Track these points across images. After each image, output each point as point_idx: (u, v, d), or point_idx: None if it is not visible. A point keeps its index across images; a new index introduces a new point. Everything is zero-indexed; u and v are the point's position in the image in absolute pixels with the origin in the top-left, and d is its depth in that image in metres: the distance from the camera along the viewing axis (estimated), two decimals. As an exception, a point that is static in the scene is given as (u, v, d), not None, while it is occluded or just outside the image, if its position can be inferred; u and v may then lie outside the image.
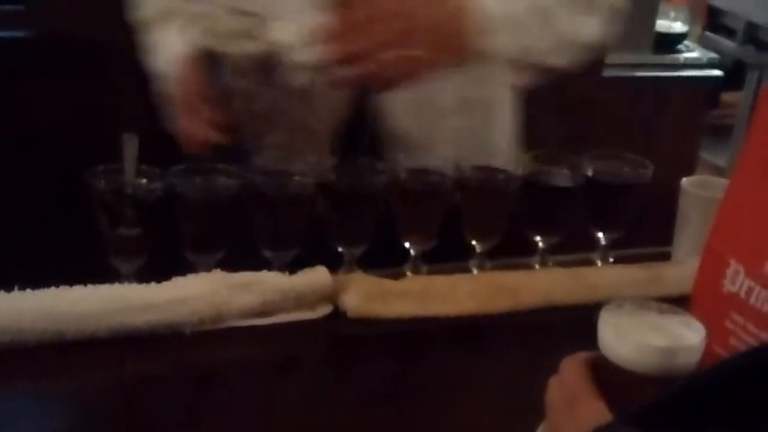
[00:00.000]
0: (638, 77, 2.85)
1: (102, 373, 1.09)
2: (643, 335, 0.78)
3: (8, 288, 1.13)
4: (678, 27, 2.96)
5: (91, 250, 1.20)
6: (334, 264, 1.28)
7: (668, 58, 2.92)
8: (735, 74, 3.25)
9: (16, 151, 2.21)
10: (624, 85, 2.81)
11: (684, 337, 0.79)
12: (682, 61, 2.93)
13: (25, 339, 1.08)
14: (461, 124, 1.45)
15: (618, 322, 0.80)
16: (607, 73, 2.72)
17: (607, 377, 0.78)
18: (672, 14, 2.96)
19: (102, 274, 1.19)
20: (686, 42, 2.99)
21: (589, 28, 1.41)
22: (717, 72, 2.92)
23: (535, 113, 2.63)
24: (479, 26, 1.26)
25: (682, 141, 2.90)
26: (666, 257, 1.43)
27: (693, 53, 2.96)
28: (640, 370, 0.77)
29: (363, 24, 1.20)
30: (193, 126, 1.29)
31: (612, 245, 1.42)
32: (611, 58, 2.71)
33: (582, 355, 0.81)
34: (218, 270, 1.21)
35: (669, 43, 2.94)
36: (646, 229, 1.38)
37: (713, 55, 2.96)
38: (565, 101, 2.68)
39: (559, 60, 1.39)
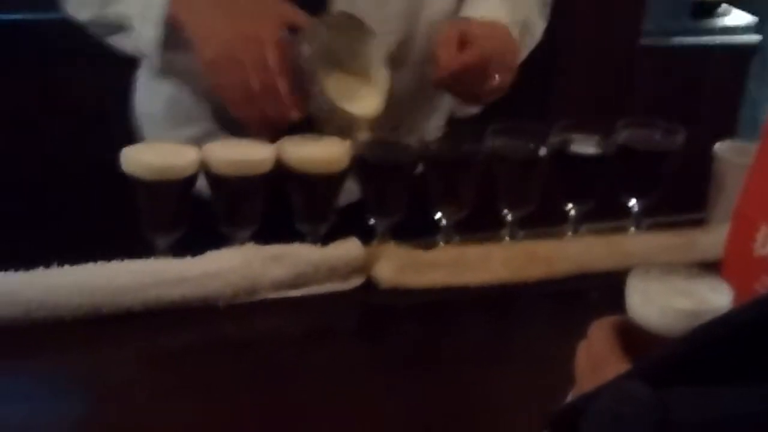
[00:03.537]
0: (676, 43, 2.82)
1: (137, 346, 1.11)
2: (670, 299, 0.78)
3: (46, 264, 1.14)
4: (716, -9, 2.92)
5: (127, 224, 1.21)
6: (367, 235, 1.29)
7: (706, 23, 2.89)
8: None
9: (54, 129, 2.24)
10: (661, 52, 2.78)
11: (711, 301, 0.78)
12: (719, 26, 2.89)
13: (61, 314, 1.10)
14: None
15: (645, 287, 0.80)
16: (645, 40, 2.69)
17: (635, 341, 0.78)
18: (709, -22, 2.92)
19: (138, 248, 1.20)
20: (724, 5, 2.95)
21: (542, 28, 1.51)
22: (756, 36, 2.88)
23: (572, 82, 2.63)
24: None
25: (722, 106, 2.88)
26: (701, 223, 1.42)
27: (731, 18, 2.92)
28: (667, 333, 0.76)
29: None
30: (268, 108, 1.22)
31: (648, 212, 1.41)
32: (648, 25, 2.68)
33: (610, 320, 0.81)
34: (251, 243, 1.22)
35: (707, 7, 2.90)
36: (688, 197, 1.37)
37: (752, 18, 2.92)
38: (602, 69, 2.67)
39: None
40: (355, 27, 1.26)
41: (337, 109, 1.22)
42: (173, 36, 1.25)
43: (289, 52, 1.20)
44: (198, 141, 1.28)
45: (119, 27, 1.32)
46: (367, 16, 1.31)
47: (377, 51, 1.28)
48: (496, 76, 1.30)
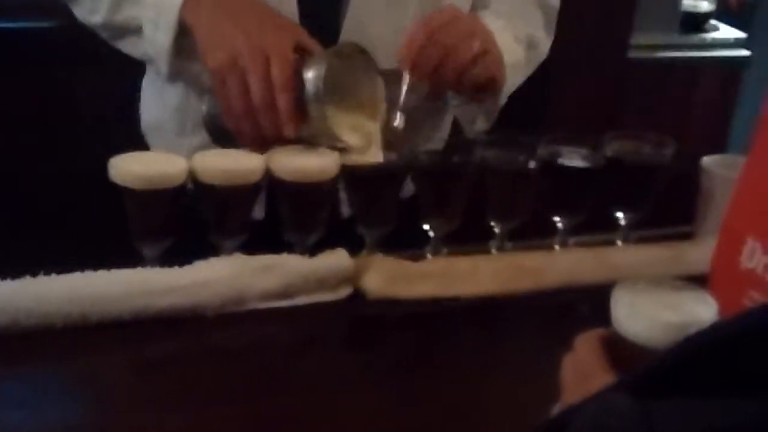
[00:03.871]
0: (664, 58, 2.83)
1: (125, 355, 1.10)
2: (655, 311, 0.78)
3: (35, 272, 1.14)
4: (704, 6, 2.93)
5: (116, 234, 1.21)
6: (356, 246, 1.29)
7: (695, 38, 2.90)
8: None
9: (54, 135, 2.24)
10: (650, 66, 2.79)
11: (697, 313, 0.79)
12: (708, 41, 2.90)
13: (51, 322, 1.10)
14: None
15: (631, 299, 0.80)
16: (633, 54, 2.70)
17: (621, 354, 0.78)
18: (697, -7, 2.94)
19: (126, 258, 1.20)
20: (712, 21, 2.97)
21: (548, 44, 1.51)
22: (744, 51, 2.89)
23: (562, 96, 2.64)
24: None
25: (712, 121, 2.89)
26: (689, 237, 1.43)
27: (720, 33, 2.93)
28: (653, 346, 0.77)
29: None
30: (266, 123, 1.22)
31: (637, 225, 1.41)
32: (637, 39, 2.69)
33: (596, 332, 0.81)
34: (240, 253, 1.22)
35: (695, 22, 2.92)
36: (676, 210, 1.37)
37: (741, 34, 2.93)
38: (591, 83, 2.68)
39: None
40: (362, 59, 1.26)
41: (334, 138, 1.23)
42: (183, 42, 1.26)
43: (295, 73, 1.20)
44: (205, 149, 1.28)
45: (130, 31, 1.32)
46: (381, 30, 1.32)
47: (381, 85, 1.28)
48: (474, 44, 1.26)
